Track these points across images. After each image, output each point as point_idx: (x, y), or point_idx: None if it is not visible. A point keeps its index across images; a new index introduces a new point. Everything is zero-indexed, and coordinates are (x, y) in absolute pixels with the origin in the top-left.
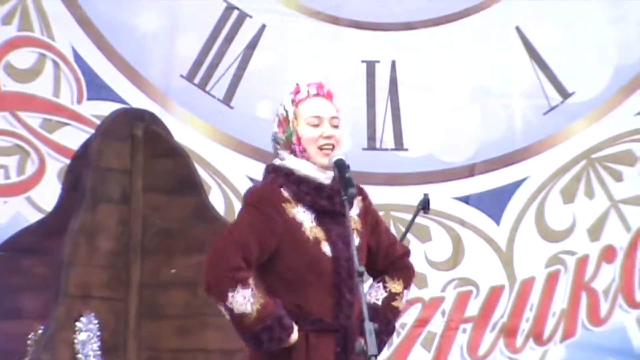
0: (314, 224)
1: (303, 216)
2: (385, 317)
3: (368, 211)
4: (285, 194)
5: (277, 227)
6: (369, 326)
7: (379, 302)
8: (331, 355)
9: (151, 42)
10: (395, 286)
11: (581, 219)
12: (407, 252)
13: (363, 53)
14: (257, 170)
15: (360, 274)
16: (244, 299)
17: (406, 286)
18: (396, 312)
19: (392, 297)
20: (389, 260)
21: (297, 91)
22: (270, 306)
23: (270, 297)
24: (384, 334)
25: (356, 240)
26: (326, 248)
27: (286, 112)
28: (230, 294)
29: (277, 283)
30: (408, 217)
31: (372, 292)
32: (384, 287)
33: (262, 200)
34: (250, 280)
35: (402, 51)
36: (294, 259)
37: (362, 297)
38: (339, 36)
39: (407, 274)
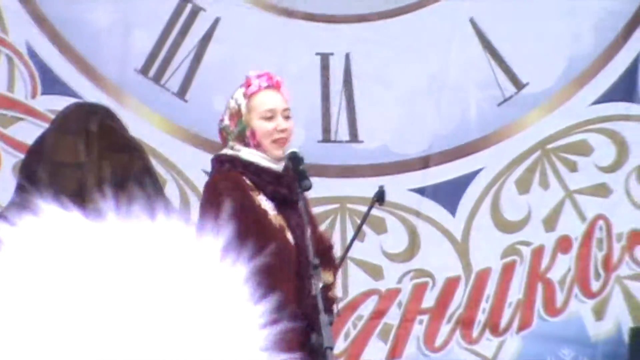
0: (276, 212)
1: (266, 204)
2: (325, 307)
3: (307, 204)
4: (248, 182)
5: (252, 214)
6: (324, 319)
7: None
8: (297, 344)
9: (105, 36)
10: (328, 277)
11: (536, 209)
12: (332, 245)
13: (317, 45)
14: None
15: (316, 267)
16: None
17: (335, 277)
18: (332, 302)
19: (327, 288)
20: (321, 252)
21: (248, 84)
22: None
23: None
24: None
25: (308, 230)
26: (289, 236)
27: (238, 105)
28: None
29: None
30: (363, 209)
31: None
32: None
33: (233, 187)
34: None
35: (356, 43)
36: (264, 245)
37: (317, 289)
38: (293, 29)
39: (335, 266)
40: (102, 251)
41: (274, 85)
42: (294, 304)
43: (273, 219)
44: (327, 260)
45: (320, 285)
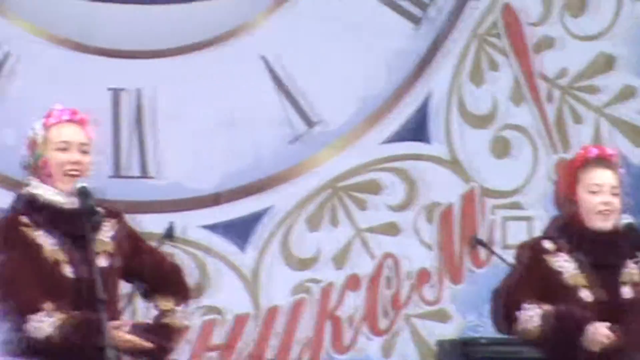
0: (56, 247)
1: (43, 239)
2: (158, 335)
3: (126, 233)
4: (25, 220)
5: (22, 253)
6: (110, 353)
7: (151, 321)
8: None
9: None
10: (166, 303)
11: (326, 247)
12: (176, 269)
13: (109, 81)
14: (1, 198)
15: (102, 301)
16: (42, 323)
17: (178, 302)
18: (170, 329)
19: (163, 314)
20: (158, 278)
21: (49, 115)
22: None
23: None
24: (160, 352)
25: (104, 262)
26: (67, 270)
27: (35, 135)
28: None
29: None
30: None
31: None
32: (155, 306)
33: (3, 234)
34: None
35: (149, 79)
36: (33, 282)
37: (104, 323)
38: (86, 64)
39: (179, 290)
40: None
41: (77, 121)
42: None
43: (48, 253)
44: (167, 285)
45: (154, 312)
